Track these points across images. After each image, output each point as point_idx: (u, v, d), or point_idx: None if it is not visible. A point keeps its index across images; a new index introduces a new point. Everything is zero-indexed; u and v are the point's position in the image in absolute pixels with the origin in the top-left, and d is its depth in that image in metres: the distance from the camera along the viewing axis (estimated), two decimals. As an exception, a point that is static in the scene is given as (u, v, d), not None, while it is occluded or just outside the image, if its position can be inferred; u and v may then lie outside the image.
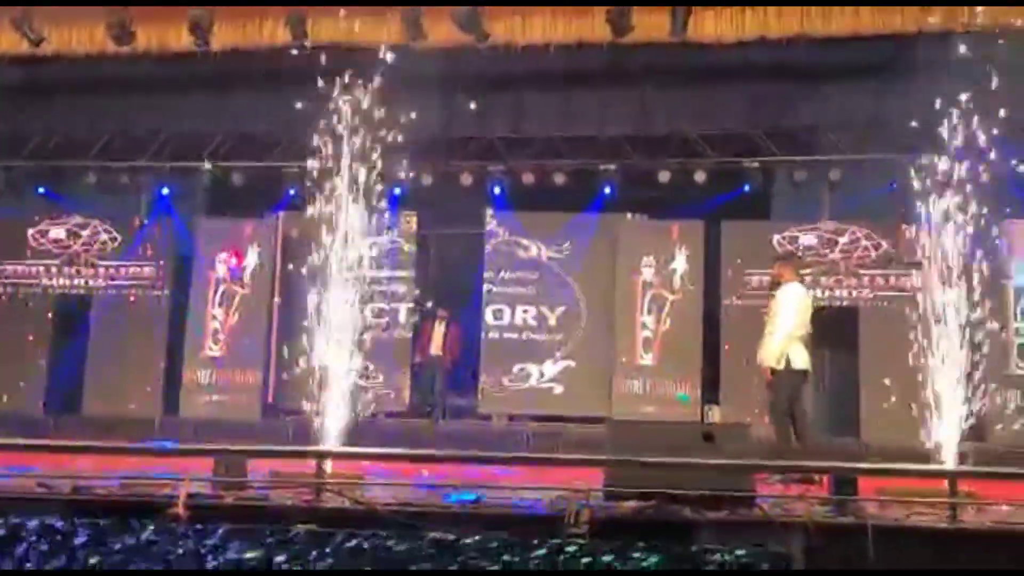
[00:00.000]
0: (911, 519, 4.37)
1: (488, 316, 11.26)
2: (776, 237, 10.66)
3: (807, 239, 10.66)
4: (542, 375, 11.16)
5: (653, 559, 3.62)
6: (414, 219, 11.42)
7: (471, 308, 11.42)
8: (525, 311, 11.27)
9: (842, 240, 10.59)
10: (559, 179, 11.05)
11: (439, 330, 10.89)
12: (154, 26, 9.79)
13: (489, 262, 11.34)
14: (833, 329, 10.64)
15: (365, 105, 6.63)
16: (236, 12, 9.58)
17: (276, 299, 11.39)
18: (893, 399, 8.76)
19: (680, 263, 10.91)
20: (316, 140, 6.64)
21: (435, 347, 10.89)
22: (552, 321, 11.23)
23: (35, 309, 11.41)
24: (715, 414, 10.51)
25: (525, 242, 11.38)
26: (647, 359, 10.86)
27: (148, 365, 11.11)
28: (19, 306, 11.41)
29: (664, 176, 10.73)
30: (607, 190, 11.07)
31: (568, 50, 9.86)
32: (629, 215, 11.25)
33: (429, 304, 11.18)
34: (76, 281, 11.53)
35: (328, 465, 4.40)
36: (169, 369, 11.22)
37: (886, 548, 4.02)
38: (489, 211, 11.39)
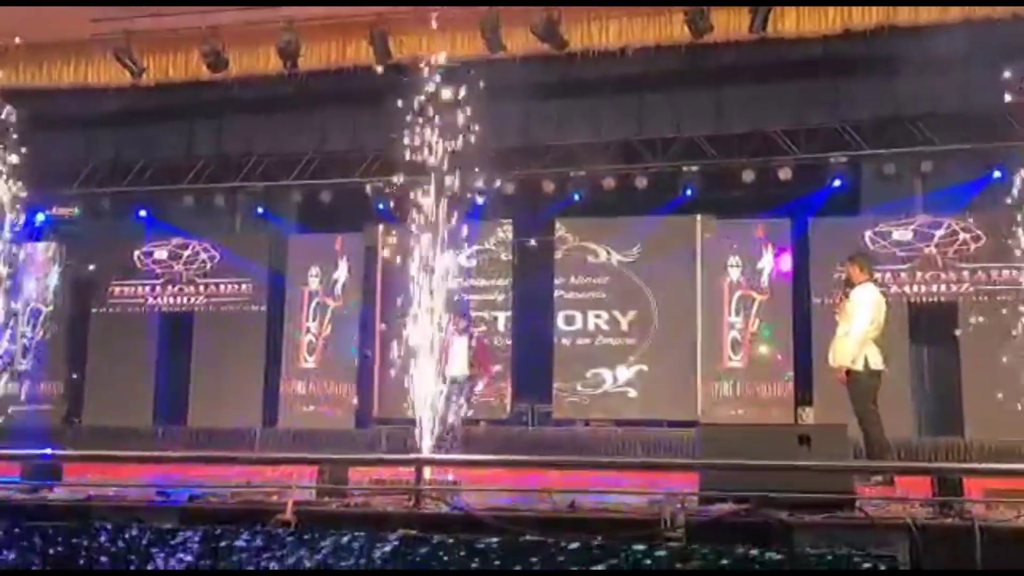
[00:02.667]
0: (1022, 520, 4.24)
1: (560, 322, 11.30)
2: (867, 233, 10.40)
3: (900, 234, 10.37)
4: (616, 380, 11.12)
5: (753, 563, 3.60)
6: (509, 227, 11.53)
7: (544, 314, 11.43)
8: (597, 316, 11.27)
9: (938, 233, 10.26)
10: (640, 183, 11.02)
11: (461, 344, 8.78)
12: (245, 51, 10.22)
13: (559, 268, 11.38)
14: (931, 325, 10.35)
15: (447, 117, 6.79)
16: (322, 34, 9.92)
17: (368, 309, 11.66)
18: (1000, 396, 8.46)
19: (767, 262, 10.75)
20: (401, 154, 6.84)
21: (459, 366, 8.53)
22: (624, 326, 11.19)
23: (142, 326, 11.96)
24: (808, 416, 10.30)
25: (594, 247, 11.39)
26: (736, 361, 10.73)
27: (248, 378, 11.53)
28: (127, 324, 11.98)
29: (748, 175, 10.59)
30: (687, 192, 11.00)
31: (645, 52, 9.88)
32: (699, 216, 11.08)
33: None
34: (179, 299, 12.07)
35: (427, 472, 4.53)
36: (267, 381, 11.62)
37: (995, 550, 3.92)
38: (558, 217, 11.43)
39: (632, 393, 11.03)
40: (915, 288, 10.22)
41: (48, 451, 4.92)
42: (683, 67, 10.02)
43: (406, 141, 6.80)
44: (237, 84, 10.57)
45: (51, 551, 4.02)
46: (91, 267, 11.96)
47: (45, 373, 11.56)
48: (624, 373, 11.09)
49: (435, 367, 5.43)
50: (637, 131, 10.71)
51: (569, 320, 11.33)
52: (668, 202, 11.16)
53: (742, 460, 4.40)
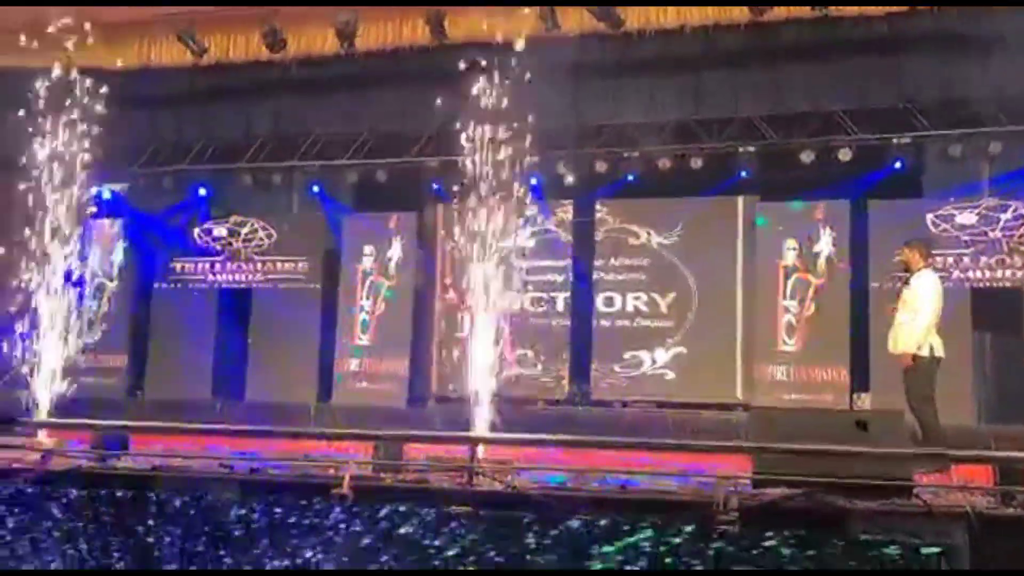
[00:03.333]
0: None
1: (599, 303, 11.30)
2: (930, 216, 10.15)
3: (964, 217, 10.10)
4: (654, 362, 11.10)
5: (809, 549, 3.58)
6: (570, 208, 11.52)
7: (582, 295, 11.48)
8: (636, 298, 11.25)
9: (1004, 217, 9.97)
10: (695, 163, 10.89)
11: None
12: (303, 31, 10.34)
13: (599, 249, 11.36)
14: (994, 311, 10.09)
15: (503, 97, 6.80)
16: (379, 14, 9.98)
17: (424, 288, 11.80)
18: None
19: (825, 245, 10.57)
20: (457, 134, 6.87)
21: None
22: (663, 308, 11.15)
23: (202, 302, 12.24)
24: (864, 402, 10.14)
25: (635, 228, 11.34)
26: (790, 344, 10.60)
27: (303, 354, 11.73)
28: (188, 299, 12.27)
29: (807, 156, 10.40)
30: (744, 173, 10.85)
31: (703, 31, 9.75)
32: (741, 197, 10.96)
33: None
34: (237, 276, 12.32)
35: (480, 450, 4.59)
36: (322, 358, 11.81)
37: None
38: (598, 199, 11.40)
39: (670, 375, 11.02)
40: (978, 273, 9.96)
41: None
42: (742, 46, 9.87)
43: (461, 120, 6.83)
44: (295, 64, 10.70)
45: (118, 518, 4.18)
46: (153, 243, 12.25)
47: (109, 346, 11.89)
48: (662, 355, 11.07)
49: (490, 346, 5.48)
50: (693, 111, 10.58)
51: (608, 302, 11.33)
52: (724, 183, 11.03)
53: (795, 444, 4.37)
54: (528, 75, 6.94)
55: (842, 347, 10.36)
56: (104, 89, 8.79)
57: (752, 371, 10.67)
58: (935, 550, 3.81)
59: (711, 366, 10.85)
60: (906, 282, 6.86)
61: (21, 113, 7.62)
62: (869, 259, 10.35)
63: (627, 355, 11.15)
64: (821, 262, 10.57)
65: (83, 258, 12.14)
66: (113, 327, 12.08)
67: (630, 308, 11.27)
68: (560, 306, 11.46)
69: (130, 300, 12.42)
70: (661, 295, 11.17)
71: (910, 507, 4.07)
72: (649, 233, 11.31)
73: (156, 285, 12.49)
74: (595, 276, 11.35)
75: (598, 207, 11.44)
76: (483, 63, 6.87)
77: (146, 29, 10.31)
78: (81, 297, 7.69)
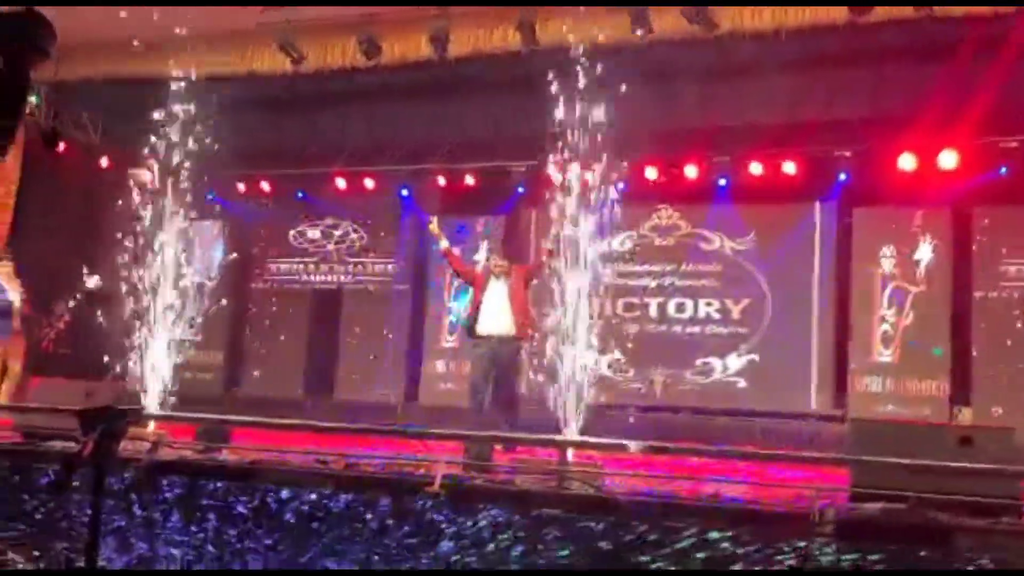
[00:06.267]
0: None
1: (671, 309, 11.19)
2: (1039, 222, 9.73)
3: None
4: (726, 368, 10.91)
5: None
6: (666, 213, 11.48)
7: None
8: (708, 304, 11.11)
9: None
10: (789, 168, 10.67)
11: (499, 288, 7.03)
12: (398, 38, 10.52)
13: (671, 255, 11.29)
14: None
15: (593, 102, 6.78)
16: (471, 20, 10.08)
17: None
18: None
19: (925, 253, 10.22)
20: (546, 139, 6.88)
21: (492, 316, 6.92)
22: (736, 314, 10.98)
23: (296, 302, 12.60)
24: (966, 416, 9.76)
25: (708, 234, 11.19)
26: (887, 355, 10.28)
27: (392, 355, 11.96)
28: (282, 299, 12.65)
29: (907, 162, 10.08)
30: (841, 177, 10.59)
31: (800, 33, 9.54)
32: (817, 203, 10.76)
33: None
34: (329, 277, 12.64)
35: (570, 454, 4.60)
36: (409, 358, 12.00)
37: None
38: (671, 204, 11.35)
39: (742, 383, 10.81)
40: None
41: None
42: (839, 49, 9.62)
43: (550, 124, 6.83)
44: (388, 70, 10.91)
45: (219, 509, 4.34)
46: (250, 244, 12.66)
47: (207, 344, 12.33)
48: (735, 362, 10.88)
49: (581, 348, 5.48)
50: (787, 115, 10.37)
51: (680, 308, 11.21)
52: (820, 188, 10.80)
53: (895, 458, 4.24)
54: (619, 80, 6.92)
55: (942, 359, 10.00)
56: (211, 96, 9.16)
57: (839, 381, 10.41)
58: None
59: (782, 374, 10.65)
60: None
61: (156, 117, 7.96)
62: (972, 267, 9.96)
63: (698, 362, 11.02)
64: (921, 270, 10.23)
65: (187, 259, 12.67)
66: (212, 325, 12.51)
67: (702, 314, 11.16)
68: (653, 311, 11.40)
69: (228, 299, 12.84)
70: (734, 301, 11.02)
71: (1019, 526, 3.91)
72: (722, 238, 11.15)
73: (252, 285, 12.91)
74: (667, 281, 11.31)
75: (670, 212, 11.36)
76: (575, 68, 6.86)
77: (248, 38, 10.65)
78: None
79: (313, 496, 4.41)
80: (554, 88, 6.83)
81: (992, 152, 9.89)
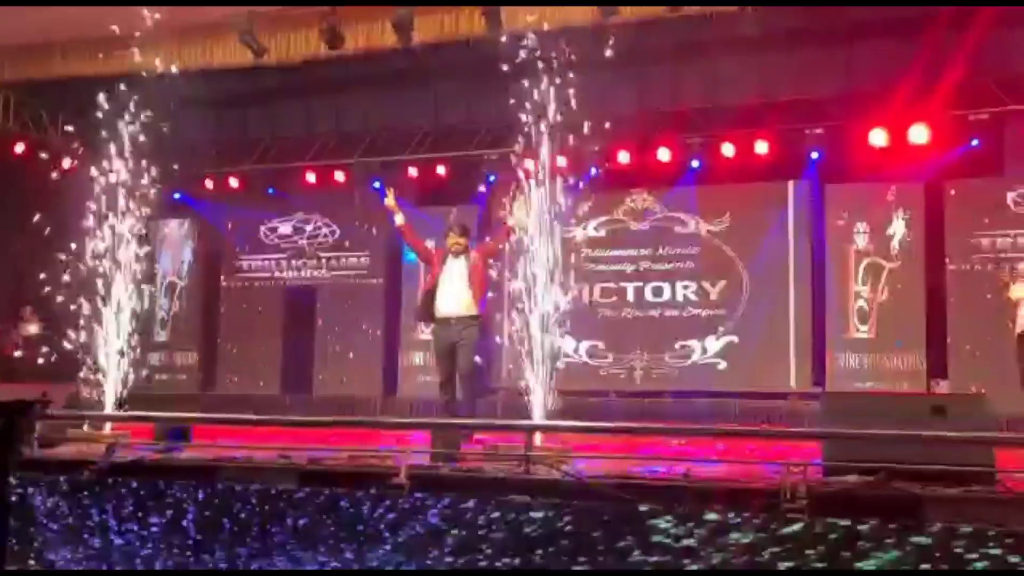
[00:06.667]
0: None
1: (648, 293, 11.16)
2: (1011, 195, 9.71)
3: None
4: (705, 351, 10.89)
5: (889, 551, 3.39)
6: (640, 197, 11.39)
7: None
8: (685, 287, 11.07)
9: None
10: (762, 148, 10.62)
11: (458, 267, 6.57)
12: (361, 27, 10.35)
13: (647, 239, 11.24)
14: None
15: (561, 86, 6.66)
16: (435, 8, 9.94)
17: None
18: None
19: (899, 228, 10.20)
20: (515, 126, 6.76)
21: (461, 301, 6.44)
22: (714, 296, 10.95)
23: (269, 298, 12.44)
24: (943, 388, 9.76)
25: (683, 217, 11.14)
26: (863, 331, 10.26)
27: (368, 348, 11.84)
28: (256, 296, 12.49)
29: (879, 137, 10.03)
30: (813, 155, 10.55)
31: (768, 13, 9.46)
32: (791, 182, 10.71)
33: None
34: (303, 272, 12.49)
35: (537, 439, 4.51)
36: (386, 352, 11.88)
37: None
38: (644, 188, 11.28)
39: (722, 365, 10.79)
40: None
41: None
42: (805, 26, 9.56)
43: (519, 112, 6.71)
44: (354, 61, 10.75)
45: (179, 507, 4.22)
46: (221, 242, 12.48)
47: (181, 344, 12.18)
48: (714, 344, 10.84)
49: (549, 333, 5.38)
50: (758, 93, 10.30)
51: (657, 292, 11.18)
52: (793, 167, 10.76)
53: (869, 430, 4.18)
54: (588, 64, 6.81)
55: (918, 333, 10.00)
56: (171, 91, 8.94)
57: (816, 358, 10.42)
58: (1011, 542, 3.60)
59: (761, 354, 10.63)
60: None
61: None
62: (946, 241, 9.95)
63: (677, 345, 10.98)
64: (894, 246, 10.21)
65: (155, 259, 12.47)
66: (185, 325, 12.36)
67: (680, 297, 11.12)
68: (630, 296, 11.34)
69: (200, 298, 12.69)
70: (711, 283, 10.99)
71: (992, 494, 3.86)
72: (697, 221, 11.10)
73: (224, 283, 12.74)
74: (643, 265, 11.28)
75: (645, 196, 11.29)
76: (540, 53, 6.73)
77: (207, 31, 10.47)
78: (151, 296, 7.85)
79: (276, 492, 4.29)
80: (522, 74, 6.71)
81: (962, 125, 9.86)
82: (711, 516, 3.86)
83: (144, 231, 7.38)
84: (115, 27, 8.93)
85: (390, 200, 7.00)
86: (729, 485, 4.11)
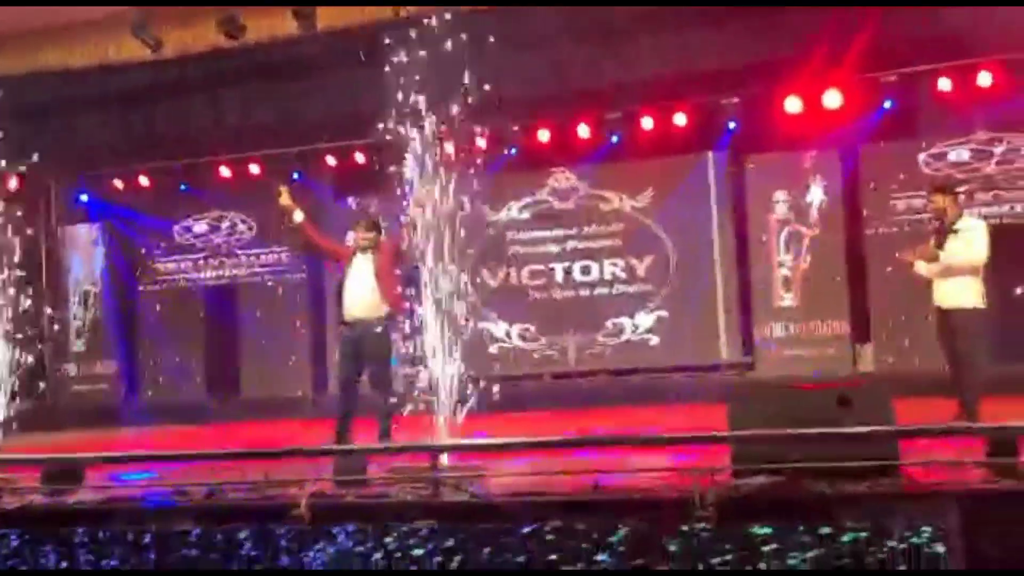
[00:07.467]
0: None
1: (576, 273, 11.10)
2: (922, 156, 9.81)
3: (957, 154, 9.75)
4: (636, 327, 10.88)
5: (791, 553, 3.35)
6: (563, 176, 11.23)
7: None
8: (613, 264, 11.01)
9: (997, 151, 9.60)
10: (680, 120, 10.54)
11: (364, 264, 6.33)
12: (263, 17, 9.98)
13: (572, 218, 11.15)
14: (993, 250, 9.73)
15: (474, 68, 6.45)
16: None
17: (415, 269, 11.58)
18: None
19: (817, 195, 10.25)
20: (434, 109, 6.53)
21: (357, 296, 6.24)
22: (641, 272, 10.93)
23: (188, 301, 12.05)
24: (867, 352, 9.91)
25: (607, 194, 11.08)
26: (788, 300, 10.33)
27: (295, 346, 11.56)
28: (174, 300, 12.08)
29: (793, 105, 10.02)
30: (731, 126, 10.52)
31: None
32: (710, 153, 10.70)
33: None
34: (221, 272, 12.10)
35: (444, 458, 4.36)
36: (314, 348, 11.62)
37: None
38: (565, 166, 11.18)
39: (654, 340, 10.79)
40: (974, 210, 9.63)
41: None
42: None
43: (430, 92, 6.48)
44: (259, 50, 10.36)
45: (65, 561, 4.00)
46: (133, 245, 12.04)
47: (98, 353, 11.75)
48: (644, 320, 10.83)
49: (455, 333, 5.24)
50: (673, 65, 10.19)
51: (585, 270, 11.10)
52: (711, 139, 10.72)
53: (775, 428, 4.12)
54: (501, 44, 6.63)
55: (841, 299, 10.10)
56: (64, 90, 8.51)
57: (746, 329, 10.46)
58: (926, 535, 3.58)
59: (692, 327, 10.66)
60: (943, 232, 6.20)
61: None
62: (863, 205, 10.03)
63: (609, 323, 10.92)
64: (814, 213, 10.26)
65: (66, 266, 11.97)
66: (102, 333, 11.93)
67: (608, 275, 11.04)
68: (559, 277, 11.24)
69: (116, 305, 12.24)
70: (638, 259, 10.94)
71: (898, 489, 3.83)
72: (621, 198, 11.02)
73: (140, 287, 12.30)
74: (570, 245, 11.18)
75: (567, 175, 11.17)
76: (455, 34, 6.49)
77: (97, 27, 9.98)
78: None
79: (173, 532, 4.09)
80: (434, 55, 6.47)
81: (874, 88, 9.89)
82: (623, 529, 3.79)
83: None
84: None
85: (285, 199, 6.52)
86: (640, 496, 4.01)
